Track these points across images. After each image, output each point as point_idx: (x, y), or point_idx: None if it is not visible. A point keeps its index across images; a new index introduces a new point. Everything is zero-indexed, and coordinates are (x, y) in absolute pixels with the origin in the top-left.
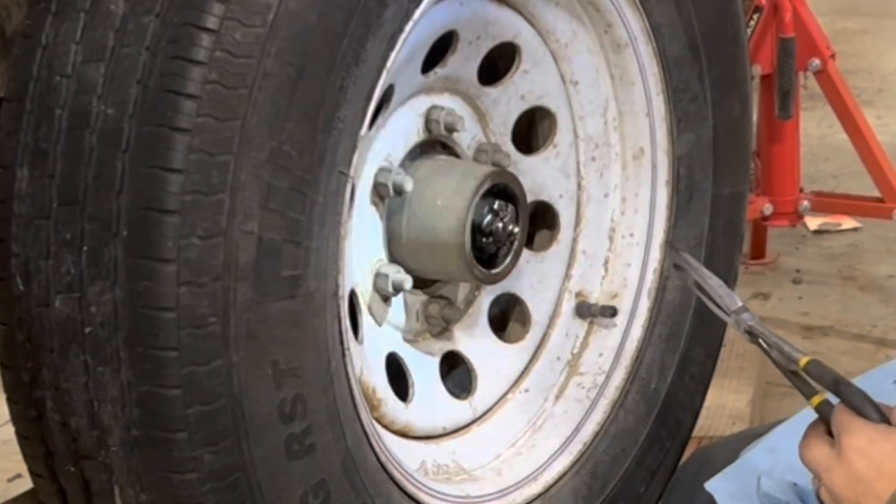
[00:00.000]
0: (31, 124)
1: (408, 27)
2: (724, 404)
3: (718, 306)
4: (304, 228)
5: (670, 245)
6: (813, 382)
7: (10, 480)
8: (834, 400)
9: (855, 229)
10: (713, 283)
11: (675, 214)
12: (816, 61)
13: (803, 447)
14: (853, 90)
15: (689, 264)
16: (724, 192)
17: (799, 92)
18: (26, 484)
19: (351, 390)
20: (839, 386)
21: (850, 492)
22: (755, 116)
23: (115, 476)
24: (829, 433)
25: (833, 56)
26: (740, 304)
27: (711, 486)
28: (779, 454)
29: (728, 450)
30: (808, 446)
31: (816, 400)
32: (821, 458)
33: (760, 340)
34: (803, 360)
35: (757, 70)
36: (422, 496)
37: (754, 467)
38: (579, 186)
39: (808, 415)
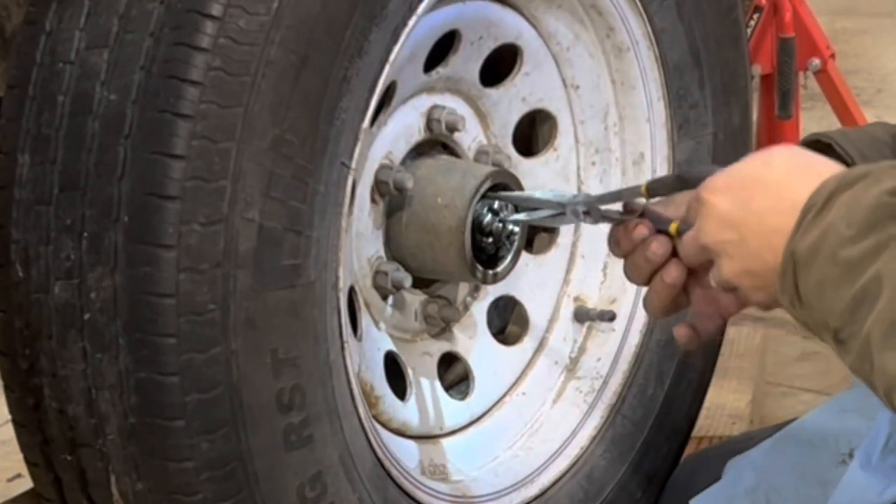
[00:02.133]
0: (34, 110)
1: (411, 21)
2: (724, 404)
3: (556, 214)
4: (305, 218)
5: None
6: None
7: (9, 480)
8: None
9: None
10: (533, 194)
11: None
12: (816, 61)
13: (681, 253)
14: (853, 90)
15: (511, 198)
16: None
17: (799, 92)
18: (26, 484)
19: (349, 383)
20: (682, 177)
21: (728, 230)
22: (755, 116)
23: (111, 464)
24: None
25: (833, 56)
26: (568, 195)
27: (696, 502)
28: (763, 473)
29: (724, 453)
30: (682, 246)
31: (674, 227)
32: (692, 233)
33: (602, 209)
34: (643, 186)
35: (757, 70)
36: (419, 494)
37: (739, 485)
38: (579, 190)
39: (794, 431)
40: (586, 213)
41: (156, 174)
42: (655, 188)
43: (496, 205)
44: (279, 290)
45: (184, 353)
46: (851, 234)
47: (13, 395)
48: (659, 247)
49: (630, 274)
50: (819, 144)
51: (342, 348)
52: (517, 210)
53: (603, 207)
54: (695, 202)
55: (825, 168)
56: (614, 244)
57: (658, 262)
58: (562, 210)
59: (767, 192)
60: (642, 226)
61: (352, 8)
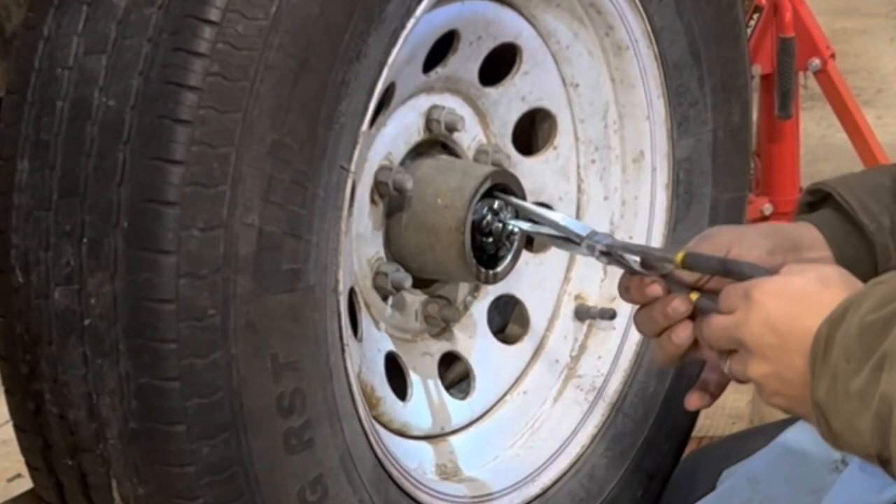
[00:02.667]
0: (33, 116)
1: (410, 23)
2: (723, 404)
3: (565, 239)
4: (304, 222)
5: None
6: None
7: (10, 480)
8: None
9: None
10: (554, 217)
11: (674, 218)
12: (816, 61)
13: (705, 328)
14: (853, 90)
15: (527, 210)
16: (724, 196)
17: (799, 92)
18: (26, 484)
19: (350, 386)
20: (726, 265)
21: (771, 335)
22: (755, 116)
23: (112, 469)
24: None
25: (833, 56)
26: (590, 229)
27: None
28: (758, 484)
29: (726, 451)
30: (708, 323)
31: (694, 296)
32: (725, 321)
33: (621, 256)
34: (679, 256)
35: (757, 70)
36: (420, 495)
37: (734, 497)
38: (579, 189)
39: (789, 441)
40: (604, 253)
41: (155, 180)
42: (692, 263)
43: (496, 205)
44: (279, 295)
45: (184, 358)
46: (853, 367)
47: (14, 399)
48: (681, 304)
49: (641, 325)
50: (820, 193)
51: (342, 351)
52: (518, 215)
53: (623, 253)
54: (741, 297)
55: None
56: (624, 291)
57: (675, 320)
58: (578, 241)
59: (818, 310)
60: (657, 284)
61: (350, 12)
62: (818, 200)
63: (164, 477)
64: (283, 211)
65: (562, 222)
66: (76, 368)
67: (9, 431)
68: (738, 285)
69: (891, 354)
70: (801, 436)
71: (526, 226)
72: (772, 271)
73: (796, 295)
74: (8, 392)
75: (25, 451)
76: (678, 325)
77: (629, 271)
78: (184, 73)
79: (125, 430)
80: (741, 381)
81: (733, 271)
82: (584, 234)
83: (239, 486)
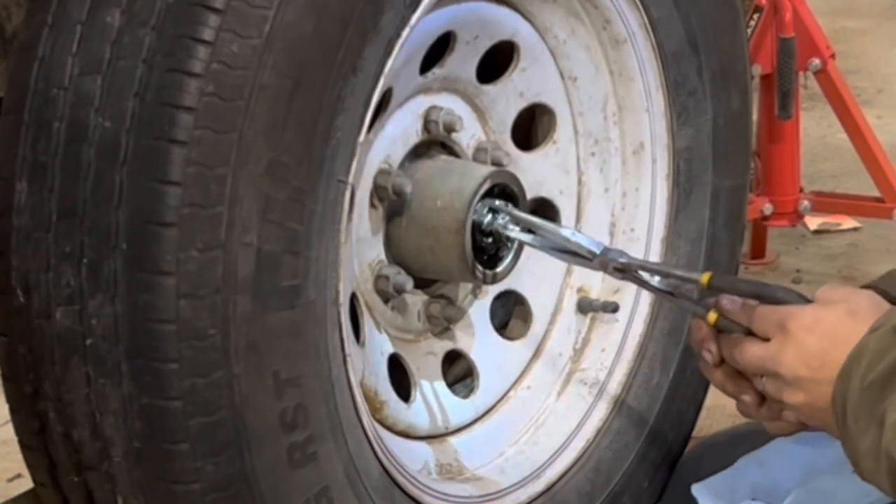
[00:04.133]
0: (30, 137)
1: (405, 33)
2: (724, 404)
3: (579, 255)
4: (303, 238)
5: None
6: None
7: (10, 480)
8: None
9: (855, 229)
10: (566, 234)
11: (675, 208)
12: (816, 61)
13: (737, 353)
14: (853, 90)
15: (535, 225)
16: (725, 184)
17: (799, 92)
18: (26, 484)
19: (353, 397)
20: (758, 287)
21: (805, 369)
22: (755, 116)
23: (118, 487)
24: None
25: (833, 56)
26: (603, 245)
27: (697, 488)
28: (770, 471)
29: (732, 439)
30: (742, 350)
31: (713, 317)
32: (761, 351)
33: (638, 274)
34: (705, 277)
35: (757, 70)
36: (425, 498)
37: (743, 479)
38: (579, 182)
39: (797, 436)
40: (619, 269)
41: (152, 201)
42: (720, 285)
43: (496, 204)
44: (279, 312)
45: (186, 378)
46: (862, 428)
47: (18, 418)
48: (701, 328)
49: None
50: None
51: (344, 363)
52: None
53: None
54: (777, 326)
55: None
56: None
57: (701, 344)
58: (590, 257)
59: (847, 344)
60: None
61: (344, 27)
62: None
63: (169, 495)
64: (282, 229)
65: (572, 238)
66: (79, 388)
67: (9, 431)
68: (773, 310)
69: (889, 411)
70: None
71: (528, 239)
72: (803, 296)
73: (828, 330)
74: (13, 410)
75: (32, 468)
76: (705, 349)
77: (646, 289)
78: (179, 94)
79: (129, 449)
80: (774, 405)
81: (765, 296)
82: (596, 251)
83: (244, 502)
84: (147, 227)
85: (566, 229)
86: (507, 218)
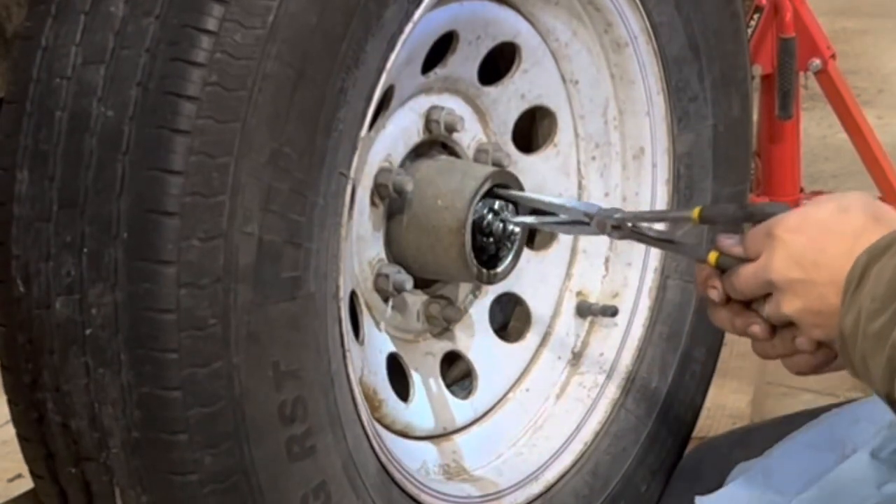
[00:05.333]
0: (31, 126)
1: (407, 28)
2: (724, 404)
3: (576, 222)
4: (304, 230)
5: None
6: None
7: (10, 480)
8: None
9: None
10: (558, 201)
11: None
12: (817, 61)
13: (735, 281)
14: (853, 90)
15: (528, 199)
16: (725, 190)
17: (799, 92)
18: (27, 484)
19: (352, 392)
20: (746, 209)
21: (797, 269)
22: (755, 116)
23: (116, 478)
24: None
25: (833, 56)
26: (597, 206)
27: (701, 502)
28: (771, 479)
29: (731, 442)
30: (737, 275)
31: (713, 256)
32: (753, 267)
33: (636, 227)
34: (696, 211)
35: (757, 70)
36: (423, 496)
37: (748, 490)
38: (580, 185)
39: (806, 438)
40: (616, 227)
41: (154, 190)
42: (710, 215)
43: (496, 205)
44: (280, 303)
45: (185, 367)
46: (876, 308)
47: (17, 408)
48: (703, 269)
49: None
50: None
51: (344, 357)
52: (518, 210)
53: (631, 225)
54: (764, 237)
55: (895, 219)
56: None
57: (706, 285)
58: (587, 220)
59: (841, 239)
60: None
61: (347, 19)
62: None
63: (167, 486)
64: (283, 220)
65: (567, 204)
66: (78, 378)
67: (9, 431)
68: (760, 226)
69: None
70: (819, 434)
71: (530, 220)
72: (791, 207)
73: (817, 227)
74: (11, 401)
75: (29, 459)
76: (710, 288)
77: (646, 242)
78: (182, 84)
79: (128, 440)
80: (783, 325)
81: (754, 213)
82: (592, 212)
83: (242, 494)
84: (148, 216)
85: (558, 197)
86: (503, 204)
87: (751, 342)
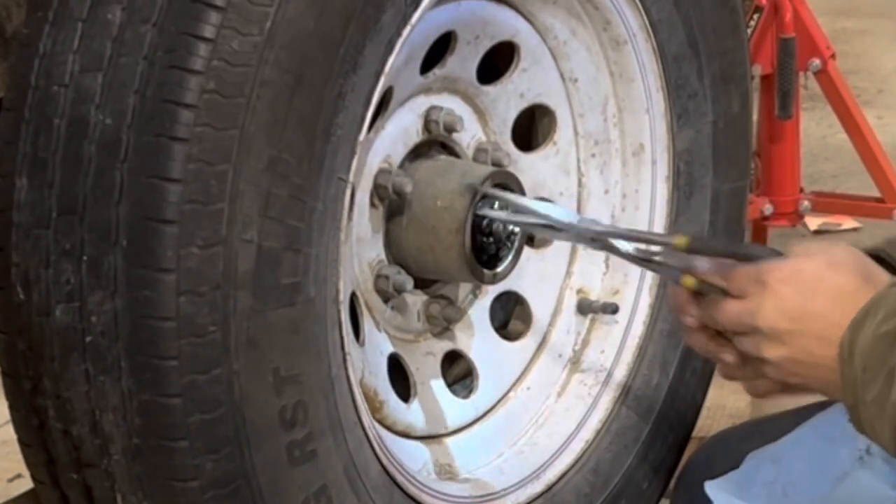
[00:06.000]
0: (30, 133)
1: (406, 31)
2: (724, 404)
3: (551, 227)
4: (303, 235)
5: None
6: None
7: (10, 480)
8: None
9: (855, 229)
10: (537, 206)
11: (675, 210)
12: (816, 61)
13: (716, 313)
14: (853, 90)
15: (507, 200)
16: (725, 187)
17: (799, 92)
18: (26, 484)
19: (352, 395)
20: (734, 247)
21: (785, 320)
22: (755, 116)
23: (117, 484)
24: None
25: (833, 56)
26: (577, 216)
27: (711, 487)
28: (782, 467)
29: (743, 435)
30: (720, 309)
31: (689, 281)
32: (738, 307)
33: (614, 242)
34: (682, 240)
35: (757, 70)
36: (424, 497)
37: (757, 476)
38: (580, 183)
39: (817, 427)
40: (593, 239)
41: (153, 198)
42: (698, 247)
43: (496, 205)
44: (279, 309)
45: (186, 374)
46: (870, 377)
47: (18, 414)
48: (678, 293)
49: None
50: (870, 256)
51: (344, 361)
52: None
53: (612, 240)
54: (754, 282)
55: (882, 280)
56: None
57: (679, 308)
58: (562, 228)
59: (830, 296)
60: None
61: (345, 24)
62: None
63: (168, 492)
64: (282, 226)
65: (544, 211)
66: (78, 385)
67: (9, 432)
68: (749, 269)
69: None
70: (830, 423)
71: (502, 215)
72: (780, 253)
73: (807, 281)
74: (12, 408)
75: (30, 465)
76: (684, 313)
77: (622, 257)
78: (180, 91)
79: (129, 446)
80: (757, 364)
81: (741, 253)
82: (572, 221)
83: (243, 499)
84: (147, 223)
85: (538, 202)
86: (486, 199)
87: (717, 365)
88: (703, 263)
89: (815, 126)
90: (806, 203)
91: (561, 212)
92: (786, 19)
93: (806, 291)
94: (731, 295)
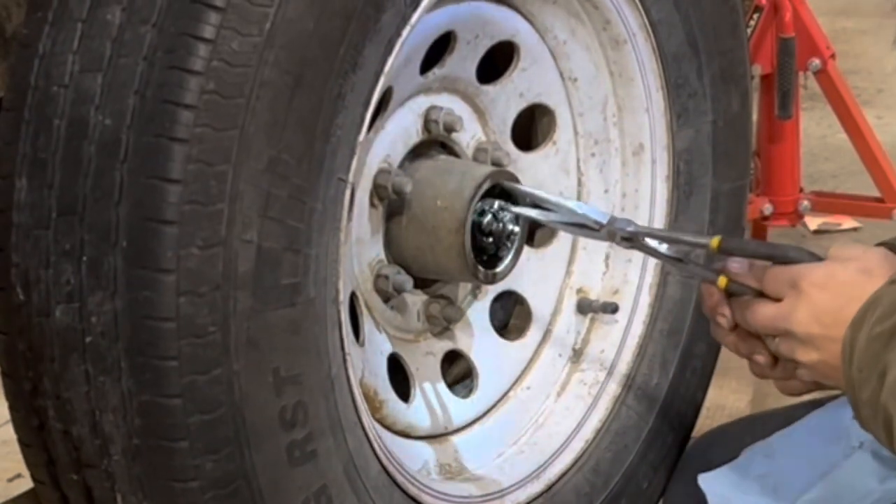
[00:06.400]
0: (30, 134)
1: (405, 31)
2: (724, 404)
3: (586, 227)
4: (303, 236)
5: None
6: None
7: (10, 480)
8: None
9: (855, 229)
10: (570, 205)
11: (675, 209)
12: (816, 61)
13: (749, 315)
14: (853, 90)
15: (540, 199)
16: (725, 186)
17: (799, 92)
18: (26, 484)
19: (352, 395)
20: (770, 248)
21: (818, 326)
22: (755, 116)
23: (117, 484)
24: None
25: (833, 56)
26: (609, 215)
27: (704, 479)
28: (775, 462)
29: (739, 430)
30: (754, 311)
31: (723, 281)
32: (772, 311)
33: (646, 241)
34: (715, 241)
35: (757, 70)
36: (424, 497)
37: (750, 470)
38: (579, 183)
39: (811, 424)
40: (626, 239)
41: (153, 199)
42: (729, 248)
43: (496, 205)
44: (279, 310)
45: (185, 375)
46: (864, 377)
47: (18, 415)
48: (713, 292)
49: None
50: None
51: (344, 361)
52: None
53: (646, 240)
54: (788, 286)
55: None
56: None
57: (713, 309)
58: (597, 228)
59: (862, 302)
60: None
61: (345, 24)
62: None
63: (168, 492)
64: (282, 226)
65: (578, 210)
66: (78, 386)
67: (9, 432)
68: (784, 270)
69: (891, 365)
70: (824, 420)
71: (534, 213)
72: (816, 255)
73: (840, 287)
74: (12, 408)
75: (30, 465)
76: (718, 314)
77: (655, 256)
78: (179, 92)
79: (129, 447)
80: (788, 362)
81: (776, 255)
82: (603, 221)
83: (243, 499)
84: (147, 224)
85: (571, 201)
86: (507, 200)
87: (748, 363)
88: (737, 264)
89: (815, 126)
90: (806, 203)
91: (594, 211)
92: (785, 19)
93: (839, 297)
94: (764, 296)
